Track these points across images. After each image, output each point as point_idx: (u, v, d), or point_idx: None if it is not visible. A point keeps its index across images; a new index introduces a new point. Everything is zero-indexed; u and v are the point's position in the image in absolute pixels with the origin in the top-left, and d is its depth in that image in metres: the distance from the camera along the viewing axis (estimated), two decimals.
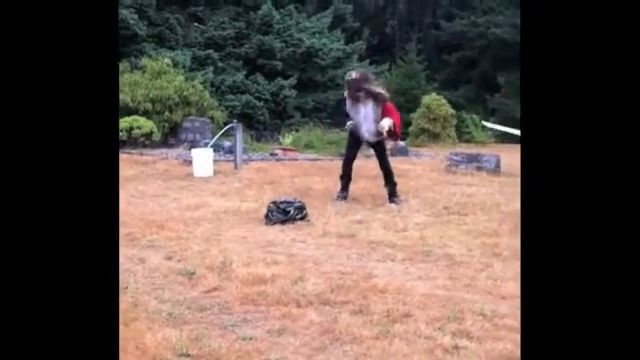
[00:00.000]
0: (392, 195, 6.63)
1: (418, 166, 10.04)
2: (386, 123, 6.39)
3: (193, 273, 3.84)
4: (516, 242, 3.46)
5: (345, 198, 6.70)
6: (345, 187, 6.78)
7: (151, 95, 12.49)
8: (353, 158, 6.85)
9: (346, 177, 6.79)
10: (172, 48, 16.17)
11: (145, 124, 11.95)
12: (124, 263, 4.06)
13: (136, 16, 15.11)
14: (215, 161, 8.97)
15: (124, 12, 14.64)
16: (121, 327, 2.88)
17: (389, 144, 7.09)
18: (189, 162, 9.12)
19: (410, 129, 15.42)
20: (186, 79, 13.58)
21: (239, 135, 9.33)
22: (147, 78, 13.10)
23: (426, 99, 15.80)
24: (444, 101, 15.71)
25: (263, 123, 16.59)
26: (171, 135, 12.80)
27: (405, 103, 17.25)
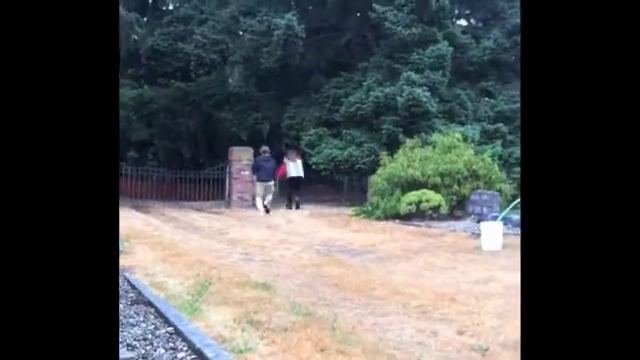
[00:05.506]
0: None
1: None
2: None
3: (487, 349, 3.73)
4: None
5: None
6: None
7: (440, 169, 12.77)
8: None
9: None
10: (462, 123, 16.46)
11: (434, 197, 12.21)
12: (416, 335, 4.11)
13: (428, 94, 15.77)
14: (503, 234, 8.74)
15: (417, 90, 15.40)
16: None
17: None
18: (477, 235, 9.03)
19: None
20: (475, 153, 13.65)
21: None
22: (437, 153, 13.47)
23: None
24: None
25: None
26: (458, 208, 12.86)
27: None
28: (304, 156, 17.69)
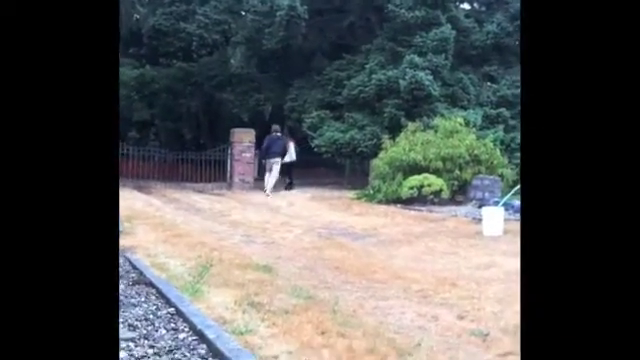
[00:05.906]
0: None
1: None
2: None
3: (487, 334, 3.73)
4: None
5: None
6: None
7: (442, 153, 12.75)
8: None
9: None
10: (464, 107, 16.38)
11: (435, 182, 12.20)
12: (417, 320, 4.12)
13: (431, 77, 15.67)
14: (504, 220, 8.74)
15: (420, 74, 15.31)
16: None
17: None
18: (478, 220, 9.02)
19: None
20: (477, 137, 13.61)
21: None
22: (439, 137, 13.43)
23: None
24: None
25: None
26: (459, 193, 12.85)
27: None
28: (305, 139, 17.70)
